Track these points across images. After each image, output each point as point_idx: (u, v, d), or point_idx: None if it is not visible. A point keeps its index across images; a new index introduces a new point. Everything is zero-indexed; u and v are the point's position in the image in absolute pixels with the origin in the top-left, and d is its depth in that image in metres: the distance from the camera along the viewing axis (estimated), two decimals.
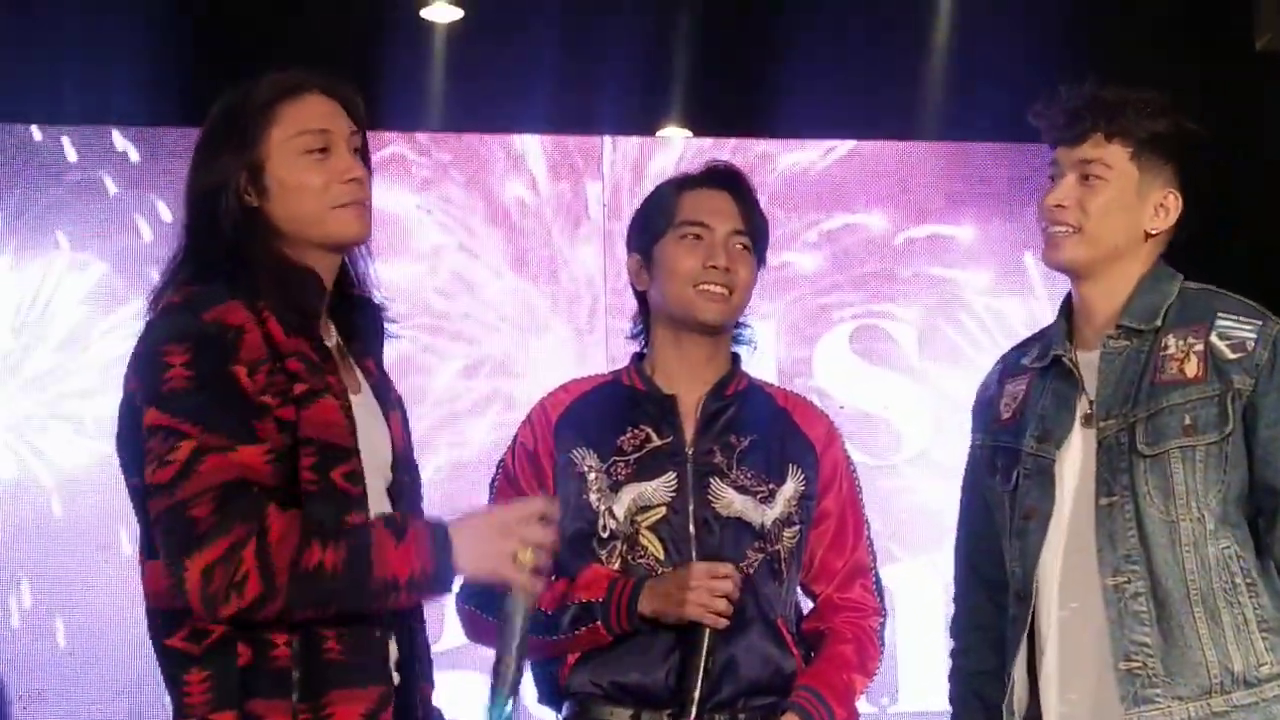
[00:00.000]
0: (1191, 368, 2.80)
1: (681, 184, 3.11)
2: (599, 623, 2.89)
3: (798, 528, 3.04)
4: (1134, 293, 2.88)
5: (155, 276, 2.50)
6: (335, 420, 2.40)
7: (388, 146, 5.53)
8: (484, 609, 2.84)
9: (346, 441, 2.40)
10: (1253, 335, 2.79)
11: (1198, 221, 2.95)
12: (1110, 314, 2.89)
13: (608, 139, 5.77)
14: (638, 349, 3.12)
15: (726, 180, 3.10)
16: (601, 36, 5.61)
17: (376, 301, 2.61)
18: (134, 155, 5.66)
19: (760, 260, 3.08)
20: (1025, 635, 2.87)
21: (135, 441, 2.36)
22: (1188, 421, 2.77)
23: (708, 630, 2.85)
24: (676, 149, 5.85)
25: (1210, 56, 5.76)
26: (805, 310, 5.80)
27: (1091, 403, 2.86)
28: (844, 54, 5.75)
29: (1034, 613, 2.86)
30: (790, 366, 5.73)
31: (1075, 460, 2.86)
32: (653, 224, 3.05)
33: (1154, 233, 2.89)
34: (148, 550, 2.39)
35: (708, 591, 2.86)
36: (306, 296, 2.47)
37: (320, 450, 2.37)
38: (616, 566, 2.94)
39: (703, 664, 2.84)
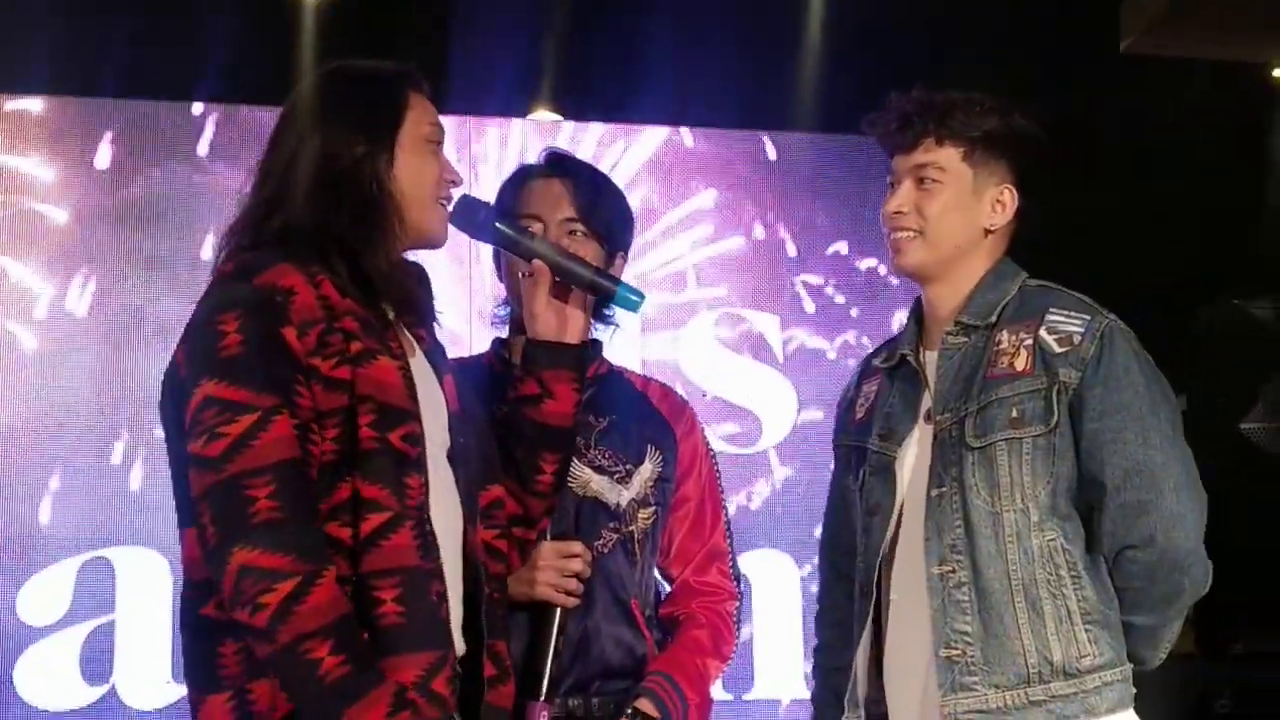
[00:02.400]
0: (1020, 361, 2.84)
1: (517, 177, 3.11)
2: None
3: (654, 509, 3.06)
4: (974, 290, 2.93)
5: None
6: (393, 381, 2.43)
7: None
8: None
9: (405, 404, 2.43)
10: (1080, 329, 2.84)
11: (1039, 217, 3.01)
12: (953, 311, 2.94)
13: (475, 120, 5.75)
14: (500, 335, 3.12)
15: (557, 167, 3.09)
16: (474, 17, 5.59)
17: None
18: None
19: (609, 241, 3.05)
20: (867, 628, 2.90)
21: (178, 409, 2.37)
22: (1014, 414, 2.81)
23: (558, 609, 2.87)
24: (547, 133, 5.83)
25: (1077, 58, 5.84)
26: (666, 297, 5.80)
27: (932, 399, 2.90)
28: (717, 39, 5.76)
29: (880, 606, 2.89)
30: (653, 353, 5.73)
31: (914, 455, 2.91)
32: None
33: (992, 229, 2.94)
34: (186, 518, 2.39)
35: (557, 571, 2.88)
36: (410, 281, 2.56)
37: (378, 409, 2.40)
38: None
39: (554, 643, 2.86)
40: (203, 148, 5.54)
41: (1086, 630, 2.78)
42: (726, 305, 5.88)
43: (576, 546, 2.92)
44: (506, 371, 2.98)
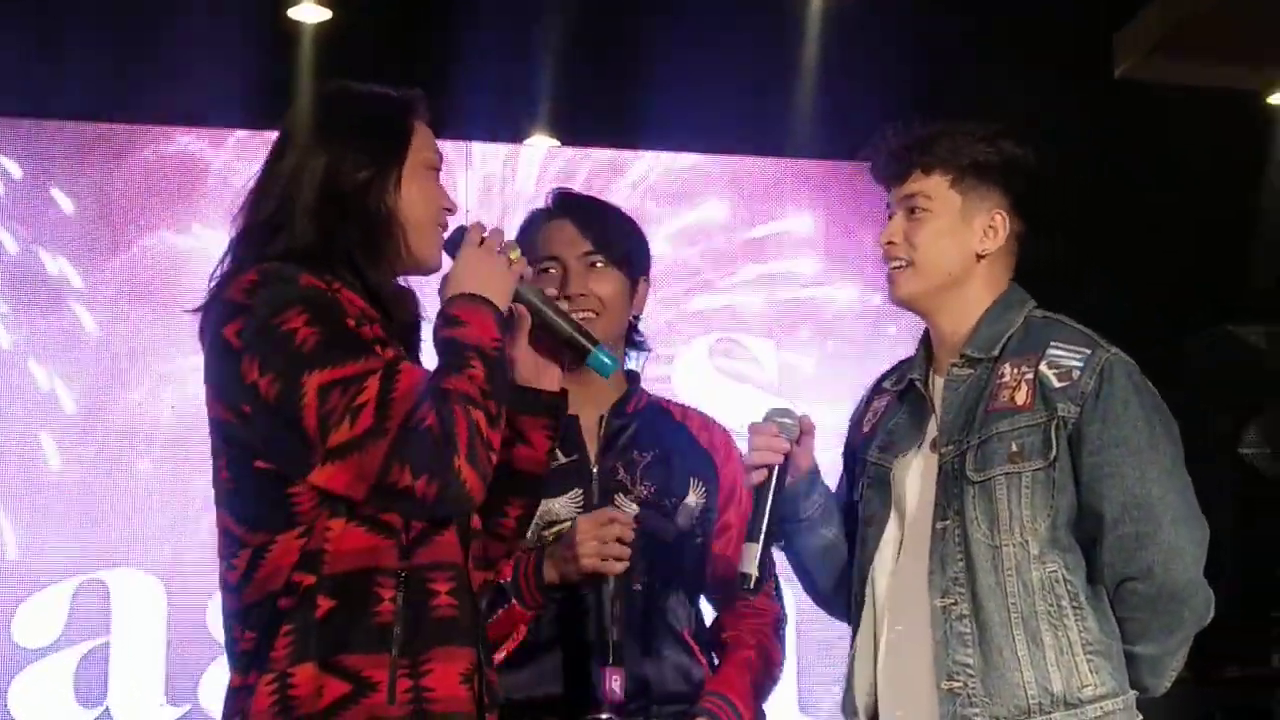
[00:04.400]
0: (1021, 396, 2.86)
1: (529, 224, 3.16)
2: (513, 601, 2.93)
3: (700, 540, 3.12)
4: (980, 321, 2.95)
5: None
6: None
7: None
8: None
9: None
10: (1079, 364, 2.85)
11: (1045, 243, 3.03)
12: (959, 342, 2.96)
13: (475, 145, 5.76)
14: None
15: (566, 206, 3.15)
16: (472, 42, 5.60)
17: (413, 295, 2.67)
18: None
19: (630, 267, 3.12)
20: (865, 636, 2.93)
21: (263, 421, 2.36)
22: (1014, 448, 2.83)
23: (610, 578, 2.90)
24: (541, 157, 5.85)
25: (1070, 84, 5.87)
26: (661, 323, 5.81)
27: (938, 429, 2.92)
28: (711, 68, 5.77)
29: (876, 619, 2.92)
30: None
31: (917, 484, 2.93)
32: None
33: (984, 253, 2.96)
34: (239, 517, 2.41)
35: (598, 541, 2.90)
36: (390, 288, 2.55)
37: None
38: None
39: (610, 609, 2.89)
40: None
41: (1088, 660, 2.79)
42: (722, 329, 5.90)
43: (611, 512, 2.95)
44: None
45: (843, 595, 3.03)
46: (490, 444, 2.35)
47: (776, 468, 2.87)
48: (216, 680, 5.31)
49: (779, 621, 3.20)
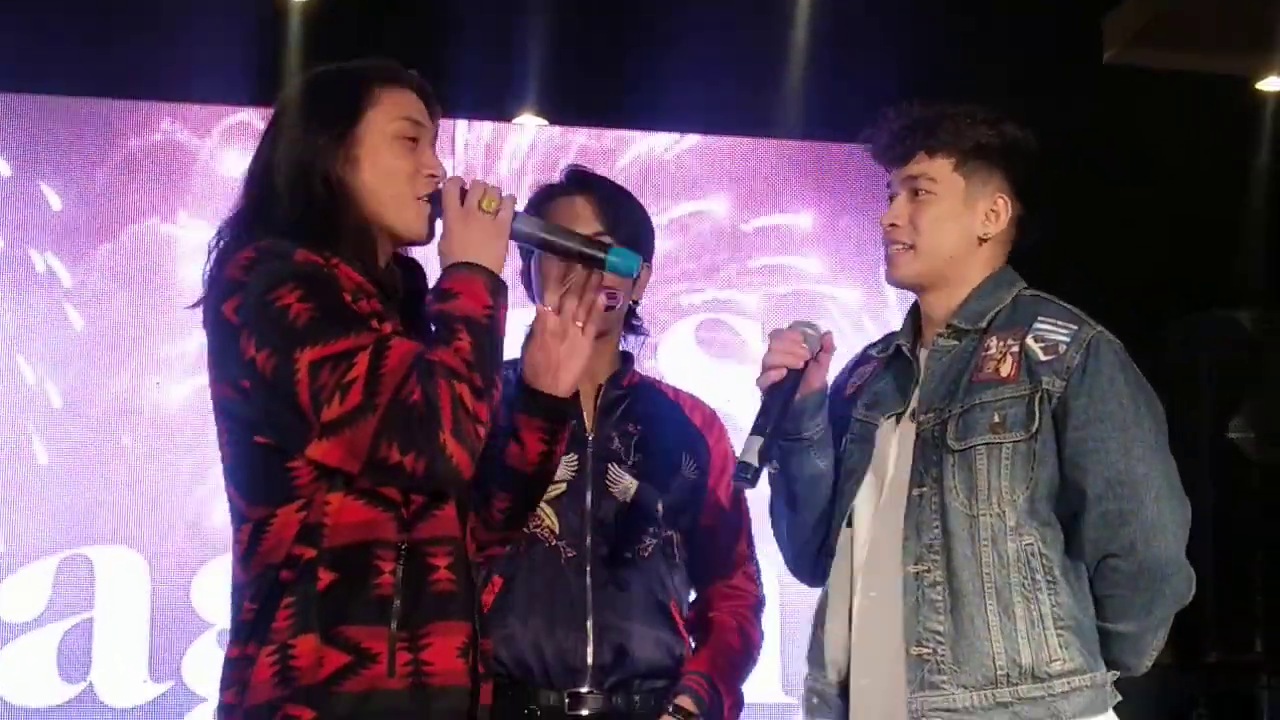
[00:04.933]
0: (1006, 368, 2.87)
1: (540, 197, 3.17)
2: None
3: (690, 515, 3.15)
4: (970, 296, 2.96)
5: None
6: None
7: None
8: None
9: None
10: (1066, 339, 2.87)
11: (1039, 227, 3.04)
12: (947, 315, 2.97)
13: (462, 123, 5.75)
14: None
15: (580, 184, 3.16)
16: (460, 19, 5.59)
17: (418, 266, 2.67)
18: None
19: (637, 250, 3.07)
20: (839, 591, 2.94)
21: (261, 397, 2.37)
22: (996, 419, 2.84)
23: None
24: (530, 135, 5.84)
25: (1060, 69, 5.86)
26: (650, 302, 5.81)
27: (919, 397, 2.93)
28: (705, 47, 5.77)
29: (851, 575, 2.93)
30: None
31: (895, 449, 2.94)
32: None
33: (986, 237, 2.97)
34: (242, 491, 2.43)
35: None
36: (377, 265, 2.54)
37: None
38: None
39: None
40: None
41: (1058, 635, 2.80)
42: (708, 310, 5.89)
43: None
44: None
45: (815, 545, 3.03)
46: (477, 417, 2.34)
47: (791, 373, 2.88)
48: (199, 657, 5.33)
49: (759, 603, 3.23)
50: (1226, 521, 5.30)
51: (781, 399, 2.87)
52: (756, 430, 2.83)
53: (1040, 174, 3.03)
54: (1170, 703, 5.60)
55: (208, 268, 2.51)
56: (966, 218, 2.96)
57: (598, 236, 3.02)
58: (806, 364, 2.90)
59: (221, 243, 2.52)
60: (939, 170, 2.95)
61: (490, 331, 2.41)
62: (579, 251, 2.62)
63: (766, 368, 2.90)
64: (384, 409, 2.29)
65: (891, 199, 2.99)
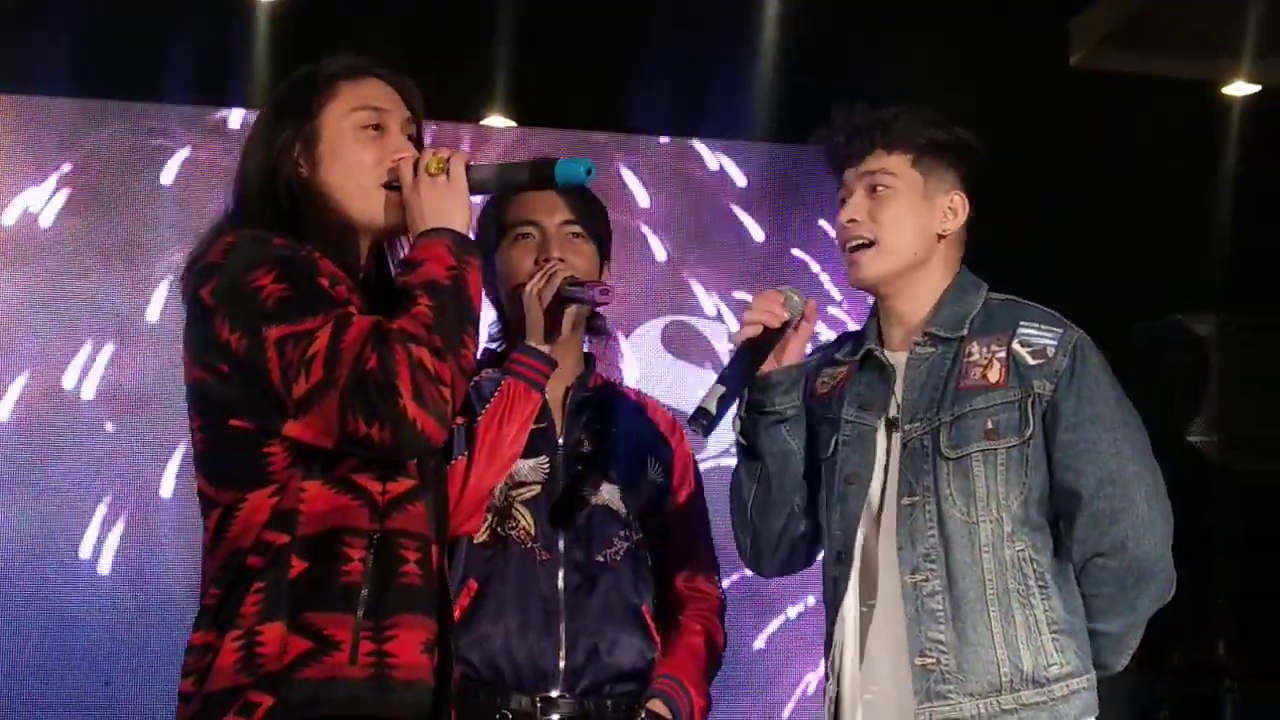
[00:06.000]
0: (994, 373, 2.88)
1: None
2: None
3: (658, 519, 3.14)
4: (940, 302, 2.96)
5: None
6: None
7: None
8: None
9: None
10: (1053, 342, 2.88)
11: (989, 228, 3.05)
12: (917, 321, 2.97)
13: (431, 125, 5.73)
14: (494, 347, 3.14)
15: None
16: (430, 20, 5.59)
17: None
18: None
19: (601, 244, 3.13)
20: (853, 595, 2.91)
21: (237, 378, 2.37)
22: (989, 425, 2.85)
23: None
24: (500, 138, 5.84)
25: (1027, 72, 5.88)
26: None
27: (899, 405, 2.92)
28: (677, 49, 5.77)
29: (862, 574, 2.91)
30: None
31: (879, 461, 2.93)
32: (486, 237, 3.08)
33: (945, 234, 2.98)
34: (211, 477, 2.42)
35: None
36: (356, 260, 2.53)
37: None
38: (486, 538, 2.98)
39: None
40: None
41: (1054, 639, 2.82)
42: (675, 312, 5.90)
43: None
44: None
45: (778, 530, 3.01)
46: (439, 378, 2.32)
47: (767, 332, 2.87)
48: None
49: (722, 605, 3.23)
50: (1189, 525, 5.31)
51: (751, 357, 2.86)
52: (721, 380, 2.83)
53: (992, 178, 3.05)
54: (1134, 706, 5.61)
55: (191, 259, 2.51)
56: (926, 213, 2.96)
57: (568, 224, 3.05)
58: (785, 328, 2.89)
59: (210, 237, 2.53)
60: (897, 165, 2.95)
61: (455, 291, 2.39)
62: (530, 176, 2.59)
63: (744, 324, 2.90)
64: (343, 381, 2.29)
65: (843, 200, 2.98)
